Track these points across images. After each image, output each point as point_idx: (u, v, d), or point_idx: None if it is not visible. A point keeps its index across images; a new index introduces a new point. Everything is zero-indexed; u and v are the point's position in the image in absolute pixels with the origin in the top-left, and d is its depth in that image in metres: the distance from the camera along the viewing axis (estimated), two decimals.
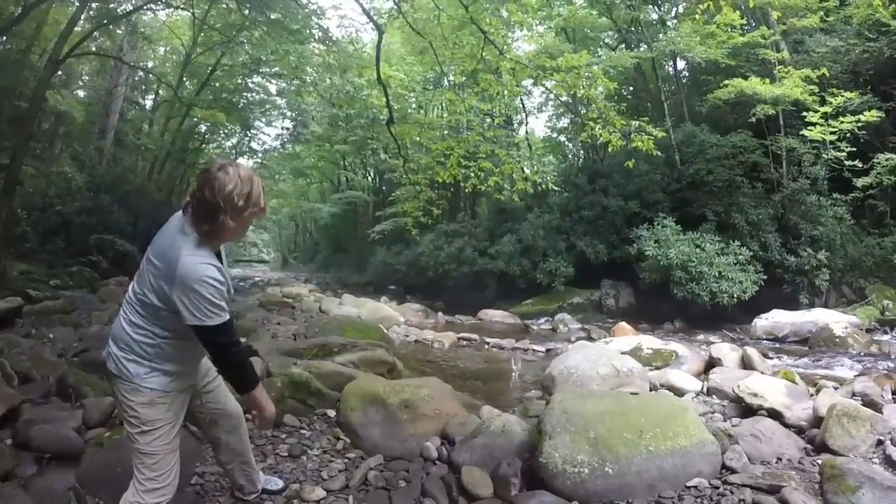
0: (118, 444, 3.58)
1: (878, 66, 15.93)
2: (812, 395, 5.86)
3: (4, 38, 15.56)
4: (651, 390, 6.53)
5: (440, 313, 15.68)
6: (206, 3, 19.65)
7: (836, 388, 6.31)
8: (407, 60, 23.45)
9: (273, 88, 28.62)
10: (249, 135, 31.46)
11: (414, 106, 25.38)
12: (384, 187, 33.82)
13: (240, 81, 26.43)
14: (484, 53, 11.01)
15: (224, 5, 19.39)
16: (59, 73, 18.68)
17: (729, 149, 16.58)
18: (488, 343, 10.99)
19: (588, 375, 6.42)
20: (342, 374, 5.52)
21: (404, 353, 9.02)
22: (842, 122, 14.45)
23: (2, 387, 4.48)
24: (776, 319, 12.24)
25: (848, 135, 14.63)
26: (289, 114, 31.06)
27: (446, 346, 10.57)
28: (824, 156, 15.44)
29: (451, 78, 20.00)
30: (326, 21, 31.97)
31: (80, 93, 25.70)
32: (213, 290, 2.35)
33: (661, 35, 19.14)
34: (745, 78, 15.35)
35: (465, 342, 11.17)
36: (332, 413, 4.91)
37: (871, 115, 14.20)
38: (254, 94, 28.33)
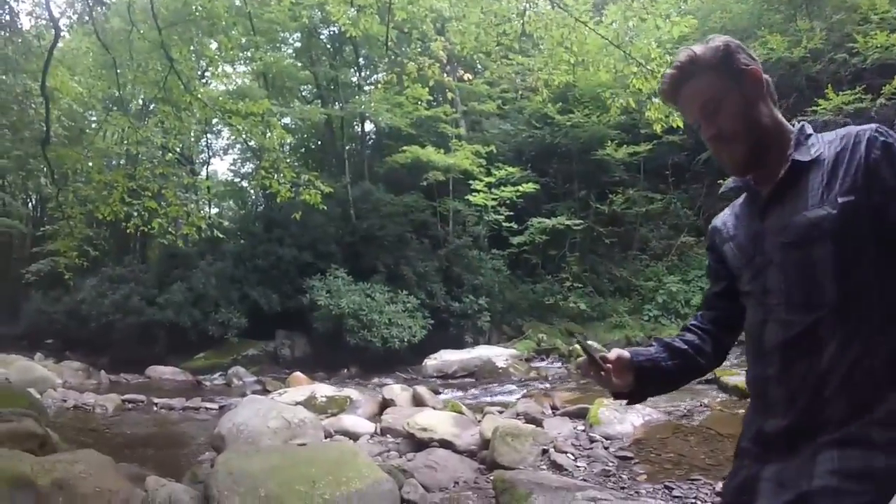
0: None
1: (540, 148, 19.65)
2: (479, 421, 6.44)
3: None
4: (326, 438, 6.65)
5: (103, 372, 14.19)
6: None
7: (501, 412, 7.04)
8: (93, 73, 21.30)
9: None
10: None
11: (94, 126, 23.13)
12: (45, 218, 29.84)
13: None
14: (168, 82, 10.39)
15: None
16: None
17: (402, 207, 18.22)
18: (157, 404, 10.31)
19: (259, 431, 6.30)
20: None
21: (61, 423, 8.12)
22: (503, 191, 17.19)
23: None
24: (444, 358, 13.46)
25: (507, 201, 17.45)
26: None
27: (110, 411, 9.66)
28: (486, 218, 18.06)
29: (137, 103, 18.74)
30: (20, 4, 27.89)
31: None
32: None
33: (356, 97, 20.07)
34: (423, 146, 16.88)
35: (131, 404, 10.33)
36: None
37: (529, 187, 17.34)
38: None
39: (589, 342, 1.70)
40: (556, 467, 5.10)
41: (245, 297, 17.26)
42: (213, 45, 14.00)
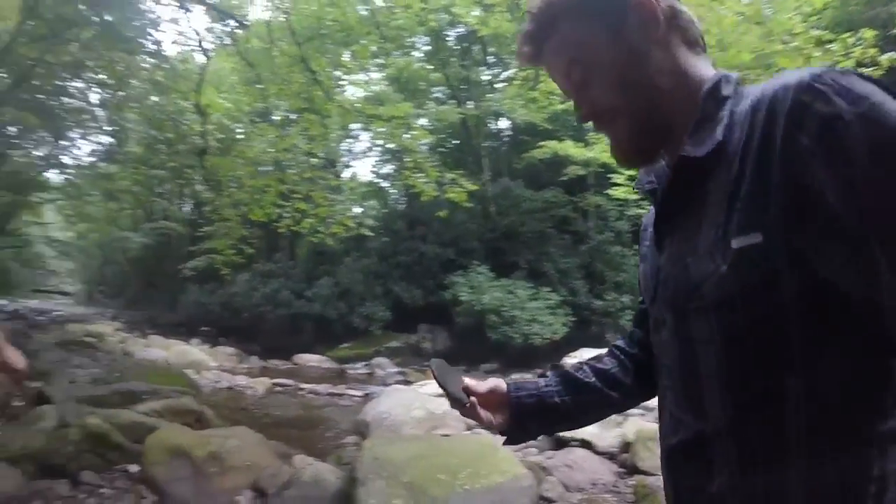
0: None
1: None
2: (620, 423, 6.30)
3: None
4: (467, 430, 6.68)
5: (254, 357, 15.17)
6: None
7: (643, 415, 6.84)
8: (237, 89, 22.81)
9: (94, 98, 26.34)
10: (62, 146, 28.69)
11: (240, 137, 24.71)
12: (201, 220, 32.14)
13: (60, 84, 24.28)
14: (311, 94, 10.98)
15: None
16: None
17: (541, 203, 18.07)
18: (304, 388, 10.78)
19: (402, 420, 6.48)
20: (145, 424, 5.24)
21: (215, 401, 8.63)
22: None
23: None
24: (584, 356, 13.03)
25: None
26: (107, 129, 28.87)
27: (260, 393, 10.25)
28: (628, 212, 17.03)
29: (280, 113, 19.78)
30: (162, 34, 30.06)
31: None
32: None
33: (488, 95, 20.20)
34: (561, 141, 16.58)
35: (279, 388, 10.88)
36: (135, 468, 4.60)
37: None
38: (73, 101, 26.01)
39: (441, 366, 1.28)
40: None
41: (389, 292, 18.00)
42: (346, 56, 14.59)
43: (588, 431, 5.84)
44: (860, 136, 0.67)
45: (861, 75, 0.72)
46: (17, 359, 2.11)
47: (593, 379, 1.26)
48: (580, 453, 5.41)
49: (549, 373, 1.31)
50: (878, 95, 0.69)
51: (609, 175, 16.64)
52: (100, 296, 44.68)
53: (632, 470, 5.07)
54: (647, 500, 4.06)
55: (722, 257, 0.80)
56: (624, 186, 16.29)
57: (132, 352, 13.00)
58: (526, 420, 1.26)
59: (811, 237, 0.72)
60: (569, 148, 16.24)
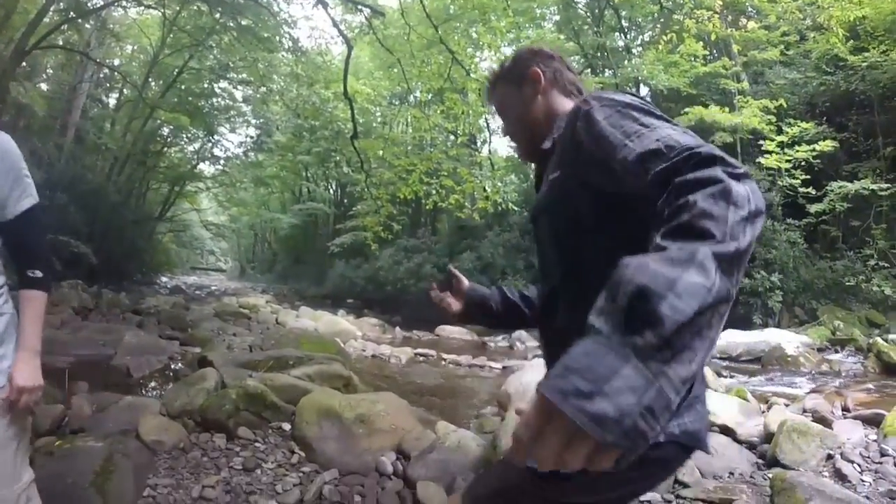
0: (68, 454, 3.51)
1: (834, 98, 16.61)
2: (763, 411, 5.96)
3: None
4: None
5: (397, 328, 15.38)
6: (177, 3, 19.12)
7: (787, 405, 6.43)
8: (374, 75, 23.50)
9: (239, 95, 28.09)
10: (213, 140, 30.81)
11: (379, 120, 25.44)
12: (345, 200, 33.31)
13: (206, 86, 25.99)
14: (451, 72, 11.09)
15: (195, 7, 18.98)
16: (24, 64, 17.76)
17: None
18: (445, 359, 10.90)
19: None
20: (298, 387, 5.46)
21: (361, 368, 8.92)
22: (797, 151, 15.06)
23: None
24: (730, 339, 12.34)
25: (803, 163, 15.23)
26: (253, 122, 30.66)
27: (403, 362, 10.48)
28: (779, 183, 15.81)
29: (418, 95, 20.17)
30: (297, 31, 31.68)
31: (44, 86, 23.87)
32: None
33: (626, 62, 19.56)
34: (706, 106, 15.74)
35: (421, 358, 11.07)
36: (287, 426, 4.84)
37: (826, 145, 14.79)
38: (219, 100, 27.86)
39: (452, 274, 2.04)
40: (840, 477, 4.51)
41: (530, 266, 18.05)
42: (474, 34, 14.58)
43: (731, 418, 5.53)
44: (591, 117, 1.24)
45: (614, 92, 1.31)
46: None
47: (517, 300, 1.89)
48: (720, 439, 5.11)
49: (493, 287, 1.97)
50: (607, 98, 1.27)
51: (759, 142, 15.64)
52: (252, 271, 47.80)
53: (771, 462, 4.72)
54: (784, 494, 3.77)
55: (546, 186, 1.47)
56: (776, 154, 15.25)
57: (284, 321, 13.71)
58: (471, 308, 1.93)
59: (584, 167, 1.28)
60: (715, 114, 15.39)
